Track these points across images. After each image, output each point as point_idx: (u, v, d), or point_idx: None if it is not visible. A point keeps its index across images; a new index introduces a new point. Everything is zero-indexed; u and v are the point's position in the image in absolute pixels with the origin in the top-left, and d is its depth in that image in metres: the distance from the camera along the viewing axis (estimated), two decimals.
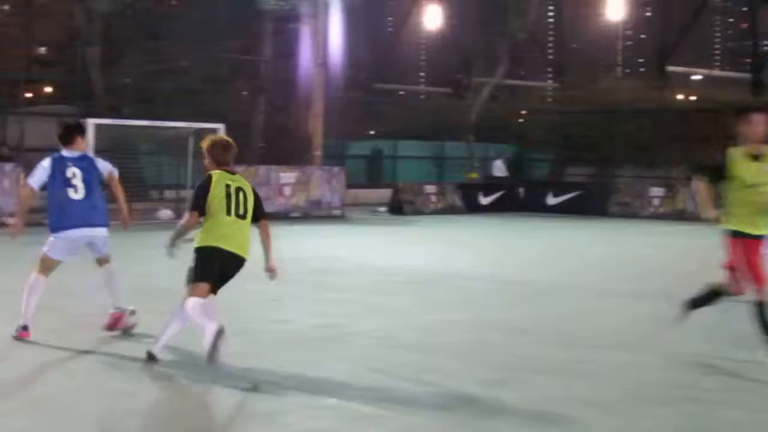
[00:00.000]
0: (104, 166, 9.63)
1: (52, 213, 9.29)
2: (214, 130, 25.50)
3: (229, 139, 8.69)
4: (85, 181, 9.32)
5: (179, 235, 8.29)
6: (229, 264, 8.22)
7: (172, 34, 34.69)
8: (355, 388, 7.69)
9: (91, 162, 9.59)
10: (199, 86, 34.48)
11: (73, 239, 9.31)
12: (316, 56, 32.30)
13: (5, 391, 7.46)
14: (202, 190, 8.26)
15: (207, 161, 8.50)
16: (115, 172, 9.71)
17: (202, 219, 8.26)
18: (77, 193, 9.24)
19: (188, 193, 21.38)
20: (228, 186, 8.29)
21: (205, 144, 8.59)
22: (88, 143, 12.51)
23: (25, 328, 9.15)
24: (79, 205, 9.22)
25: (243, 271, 8.22)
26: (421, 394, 7.57)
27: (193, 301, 7.96)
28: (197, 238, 8.25)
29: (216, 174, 8.33)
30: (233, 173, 8.45)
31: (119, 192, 9.73)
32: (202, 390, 7.69)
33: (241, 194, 8.34)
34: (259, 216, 8.50)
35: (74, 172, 9.29)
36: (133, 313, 9.53)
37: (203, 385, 7.77)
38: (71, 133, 9.62)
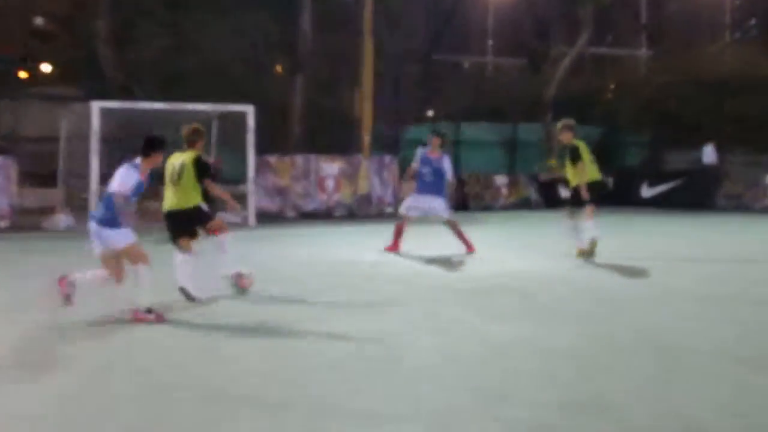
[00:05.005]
0: None
1: None
2: (241, 114, 25.66)
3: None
4: None
5: None
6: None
7: (194, 3, 34.74)
8: (414, 420, 7.58)
9: None
10: (227, 63, 34.49)
11: None
12: (363, 26, 32.22)
13: None
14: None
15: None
16: None
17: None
18: None
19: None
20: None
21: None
22: None
23: None
24: None
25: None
26: (491, 424, 7.43)
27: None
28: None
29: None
30: (183, 152, 13.45)
31: None
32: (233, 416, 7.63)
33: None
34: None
35: None
36: None
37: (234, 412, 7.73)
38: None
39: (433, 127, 44.91)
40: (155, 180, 13.46)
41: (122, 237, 11.56)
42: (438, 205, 18.82)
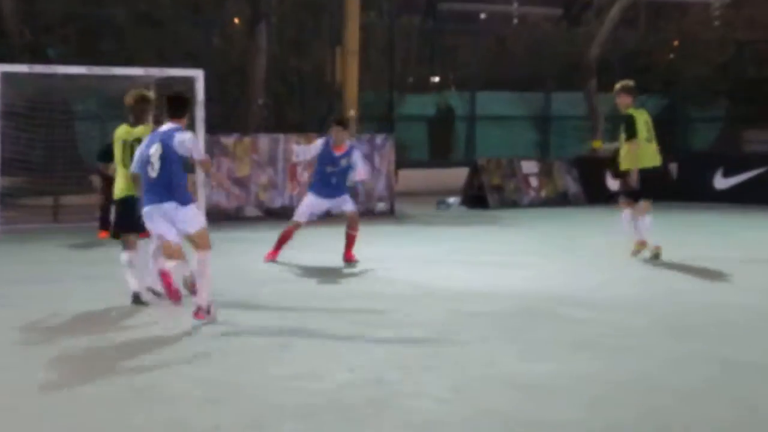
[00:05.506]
0: None
1: None
2: (188, 80, 25.56)
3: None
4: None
5: None
6: None
7: None
8: None
9: None
10: (166, 13, 34.42)
11: None
12: None
13: None
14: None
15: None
16: None
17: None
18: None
19: None
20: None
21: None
22: None
23: None
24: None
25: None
26: None
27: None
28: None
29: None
30: (133, 126, 14.30)
31: None
32: None
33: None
34: None
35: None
36: None
37: None
38: None
39: (438, 97, 45.11)
40: (105, 160, 14.05)
41: (198, 218, 13.29)
42: (343, 199, 19.18)
